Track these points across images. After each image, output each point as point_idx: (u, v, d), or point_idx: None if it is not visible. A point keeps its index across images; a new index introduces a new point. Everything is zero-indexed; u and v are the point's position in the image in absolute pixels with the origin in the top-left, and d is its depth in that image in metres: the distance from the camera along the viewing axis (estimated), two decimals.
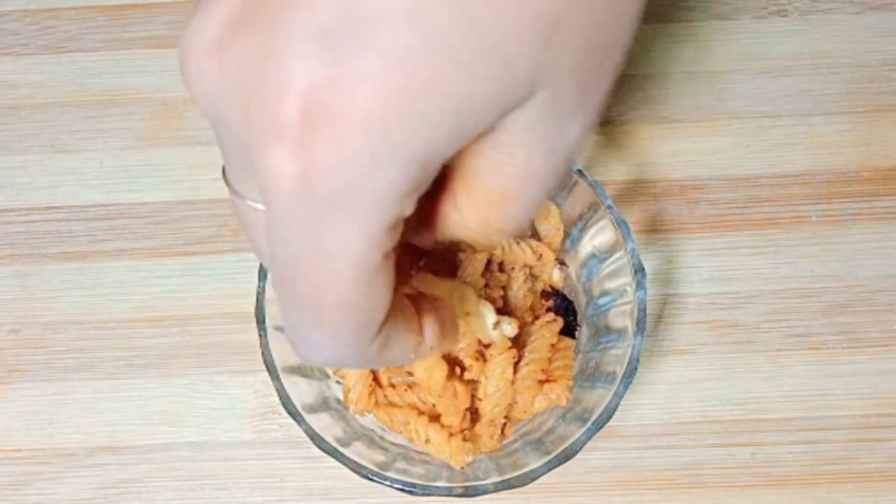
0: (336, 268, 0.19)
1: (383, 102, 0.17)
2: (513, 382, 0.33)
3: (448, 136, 0.18)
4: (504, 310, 0.34)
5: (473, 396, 0.33)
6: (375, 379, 0.33)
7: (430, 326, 0.25)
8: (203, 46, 0.18)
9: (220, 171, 0.21)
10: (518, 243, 0.34)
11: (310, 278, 0.20)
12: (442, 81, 0.17)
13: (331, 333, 0.21)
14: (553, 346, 0.34)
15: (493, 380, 0.32)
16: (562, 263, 0.35)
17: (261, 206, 0.20)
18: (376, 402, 0.33)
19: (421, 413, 0.33)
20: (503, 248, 0.33)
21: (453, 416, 0.32)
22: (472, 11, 0.16)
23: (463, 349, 0.31)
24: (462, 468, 0.32)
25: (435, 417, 0.33)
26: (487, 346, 0.32)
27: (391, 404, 0.33)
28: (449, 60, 0.17)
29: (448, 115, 0.17)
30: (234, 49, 0.18)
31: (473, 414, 0.33)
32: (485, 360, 0.32)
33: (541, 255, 0.34)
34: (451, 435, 0.32)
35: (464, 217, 0.22)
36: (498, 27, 0.17)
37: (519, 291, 0.34)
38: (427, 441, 0.32)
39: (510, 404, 0.33)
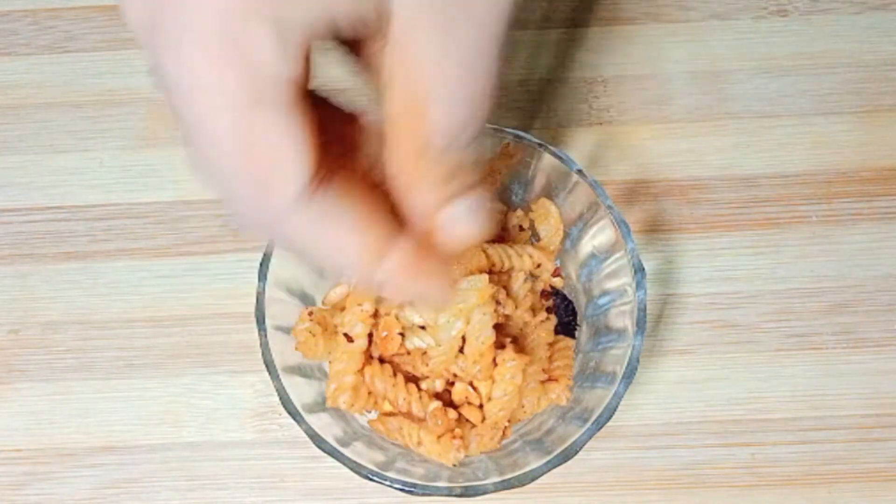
0: (197, 81, 0.18)
1: None
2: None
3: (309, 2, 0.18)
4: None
5: (476, 406, 0.33)
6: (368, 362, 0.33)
7: (398, 255, 0.21)
8: None
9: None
10: (519, 254, 0.34)
11: (182, 97, 0.19)
12: None
13: (235, 183, 0.20)
14: (551, 345, 0.34)
15: (502, 384, 0.32)
16: (556, 275, 0.35)
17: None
18: (373, 404, 0.33)
19: (412, 417, 0.33)
20: (503, 259, 0.33)
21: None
22: None
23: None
24: (454, 465, 0.32)
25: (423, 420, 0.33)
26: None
27: (385, 413, 0.33)
28: None
29: None
30: None
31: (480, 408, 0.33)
32: (495, 364, 0.32)
33: (539, 265, 0.34)
34: (439, 436, 0.32)
35: (393, 133, 0.20)
36: None
37: (519, 291, 0.34)
38: (419, 443, 0.32)
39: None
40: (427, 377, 0.33)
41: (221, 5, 0.17)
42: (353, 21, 0.19)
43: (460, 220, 0.22)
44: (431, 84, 0.19)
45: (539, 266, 0.34)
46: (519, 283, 0.34)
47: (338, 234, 0.21)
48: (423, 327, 0.32)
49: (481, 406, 0.33)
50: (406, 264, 0.21)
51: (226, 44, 0.18)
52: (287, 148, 0.19)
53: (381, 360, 0.33)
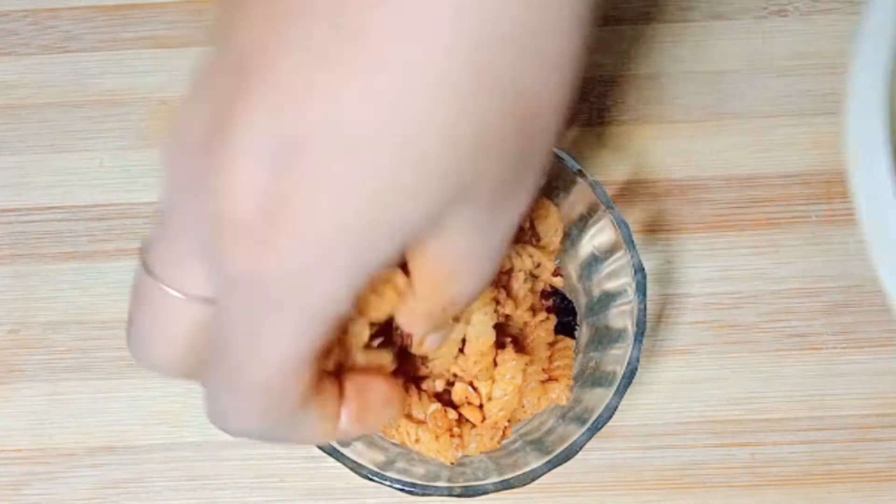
0: (268, 359, 0.21)
1: (333, 219, 0.19)
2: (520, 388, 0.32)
3: (389, 247, 0.20)
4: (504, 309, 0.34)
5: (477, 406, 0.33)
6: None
7: (348, 412, 0.26)
8: (181, 138, 0.21)
9: (139, 248, 0.23)
10: (519, 254, 0.34)
11: (240, 362, 0.21)
12: (384, 200, 0.19)
13: (246, 412, 0.23)
14: (551, 344, 0.34)
15: (502, 384, 0.32)
16: (557, 274, 0.35)
17: (175, 293, 0.22)
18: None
19: (411, 418, 0.33)
20: (503, 259, 0.33)
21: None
22: (406, 138, 0.18)
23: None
24: (452, 464, 0.32)
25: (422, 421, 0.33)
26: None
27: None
28: (389, 181, 0.18)
29: (389, 229, 0.19)
30: (206, 152, 0.19)
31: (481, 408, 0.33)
32: (496, 364, 0.32)
33: (539, 264, 0.34)
34: (437, 436, 0.32)
35: (414, 299, 0.24)
36: (428, 150, 0.18)
37: (519, 291, 0.34)
38: (417, 441, 0.32)
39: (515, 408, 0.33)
40: (427, 377, 0.33)
41: (323, 296, 0.20)
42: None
43: (431, 343, 0.27)
44: (462, 270, 0.23)
45: (539, 266, 0.34)
46: (519, 283, 0.34)
47: (311, 432, 0.25)
48: None
49: (481, 406, 0.33)
50: (355, 417, 0.26)
51: (310, 318, 0.20)
52: (306, 383, 0.23)
53: None
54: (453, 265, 0.22)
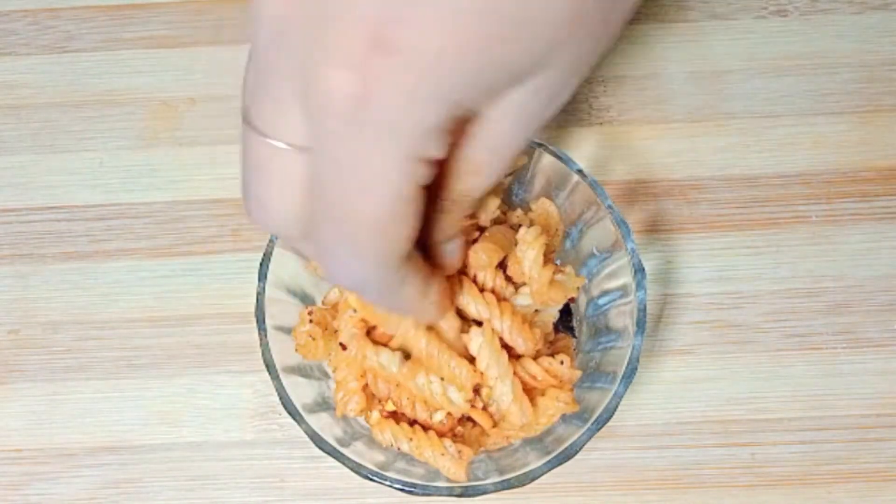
0: (375, 189, 0.21)
1: (441, 48, 0.19)
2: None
3: (480, 89, 0.20)
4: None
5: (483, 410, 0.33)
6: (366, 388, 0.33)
7: (437, 283, 0.28)
8: None
9: (241, 116, 0.23)
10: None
11: (349, 197, 0.21)
12: (489, 42, 0.19)
13: (360, 252, 0.23)
14: (552, 343, 0.34)
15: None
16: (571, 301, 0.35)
17: (281, 145, 0.22)
18: (377, 403, 0.33)
19: (413, 423, 0.33)
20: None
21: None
22: None
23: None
24: (460, 481, 0.32)
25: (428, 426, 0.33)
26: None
27: (386, 415, 0.33)
28: (499, 25, 0.19)
29: (487, 71, 0.20)
30: None
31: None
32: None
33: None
34: (441, 454, 0.32)
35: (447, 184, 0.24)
36: (540, 6, 0.19)
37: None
38: (421, 454, 0.32)
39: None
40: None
41: (418, 124, 0.20)
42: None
43: (449, 255, 0.28)
44: (490, 161, 0.23)
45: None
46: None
47: (412, 293, 0.26)
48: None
49: (485, 408, 0.33)
50: (441, 292, 0.28)
51: (405, 152, 0.21)
52: (411, 232, 0.23)
53: None
54: (485, 153, 0.23)
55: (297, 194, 0.23)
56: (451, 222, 0.26)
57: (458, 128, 0.22)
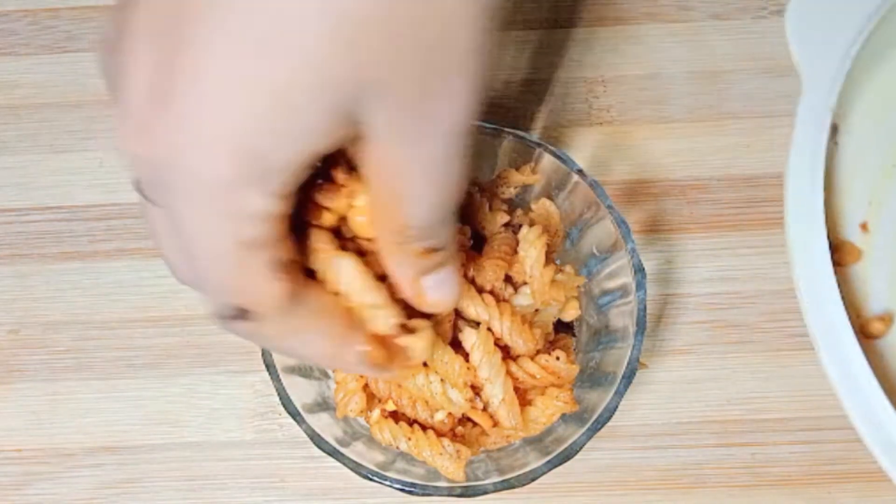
0: (203, 251, 0.22)
1: (212, 105, 0.19)
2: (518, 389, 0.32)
3: (291, 147, 0.20)
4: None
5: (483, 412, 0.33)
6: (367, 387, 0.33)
7: (357, 348, 0.26)
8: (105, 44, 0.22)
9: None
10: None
11: (189, 256, 0.23)
12: (271, 98, 0.19)
13: (211, 300, 0.24)
14: (552, 343, 0.34)
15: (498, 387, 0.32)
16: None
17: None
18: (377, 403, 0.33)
19: (413, 423, 0.33)
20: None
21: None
22: (287, 33, 0.18)
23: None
24: (458, 481, 0.32)
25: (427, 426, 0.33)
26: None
27: (387, 415, 0.33)
28: (276, 79, 0.19)
29: (287, 126, 0.20)
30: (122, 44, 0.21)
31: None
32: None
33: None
34: (440, 454, 0.32)
35: (376, 230, 0.24)
36: (304, 32, 0.18)
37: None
38: (420, 454, 0.32)
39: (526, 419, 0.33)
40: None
41: (212, 179, 0.20)
42: (332, 148, 0.21)
43: (432, 290, 0.26)
44: (404, 186, 0.22)
45: None
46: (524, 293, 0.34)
47: (306, 339, 0.25)
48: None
49: (485, 409, 0.33)
50: (368, 360, 0.26)
51: (220, 207, 0.21)
52: (270, 281, 0.23)
53: None
54: (395, 178, 0.22)
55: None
56: (410, 258, 0.25)
57: (297, 176, 0.22)
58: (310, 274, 0.25)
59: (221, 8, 0.18)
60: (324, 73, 0.19)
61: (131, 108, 0.20)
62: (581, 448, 0.32)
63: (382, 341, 0.26)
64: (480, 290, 0.32)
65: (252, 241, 0.22)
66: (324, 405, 0.34)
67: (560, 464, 0.32)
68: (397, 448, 0.32)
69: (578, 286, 0.34)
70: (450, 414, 0.32)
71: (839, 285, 0.33)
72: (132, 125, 0.20)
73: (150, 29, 0.20)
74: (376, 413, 0.33)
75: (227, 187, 0.20)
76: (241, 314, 0.24)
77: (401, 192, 0.23)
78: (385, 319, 0.26)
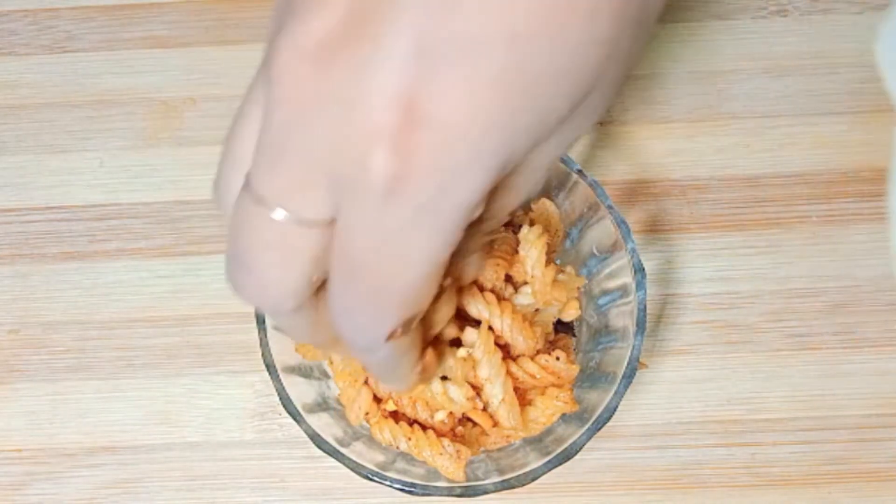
0: (410, 260, 0.21)
1: (479, 114, 0.18)
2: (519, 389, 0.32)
3: (524, 147, 0.20)
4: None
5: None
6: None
7: (428, 353, 0.28)
8: (299, 54, 0.19)
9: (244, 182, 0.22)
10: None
11: (381, 267, 0.21)
12: (529, 98, 0.19)
13: (383, 317, 0.22)
14: (552, 343, 0.34)
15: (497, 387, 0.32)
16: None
17: (289, 219, 0.21)
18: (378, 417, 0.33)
19: (413, 423, 0.33)
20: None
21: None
22: (558, 39, 0.18)
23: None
24: (458, 481, 0.32)
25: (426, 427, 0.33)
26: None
27: (387, 415, 0.33)
28: (536, 80, 0.18)
29: (529, 128, 0.19)
30: (335, 62, 0.18)
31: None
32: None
33: None
34: (440, 454, 0.32)
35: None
36: (574, 53, 0.18)
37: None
38: (420, 454, 0.32)
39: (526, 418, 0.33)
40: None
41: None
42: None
43: (469, 265, 0.29)
44: (523, 188, 0.23)
45: None
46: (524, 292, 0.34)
47: (410, 359, 0.27)
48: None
49: (485, 409, 0.33)
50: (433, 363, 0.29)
51: (447, 222, 0.20)
52: (434, 291, 0.23)
53: None
54: (529, 178, 0.22)
55: (305, 268, 0.22)
56: (476, 242, 0.26)
57: None
58: None
59: None
60: (583, 56, 0.19)
61: (379, 122, 0.18)
62: (581, 448, 0.32)
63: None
64: (481, 289, 0.32)
65: (454, 243, 0.21)
66: (324, 405, 0.34)
67: (560, 464, 0.32)
68: (397, 448, 0.32)
69: (578, 286, 0.34)
70: (450, 414, 0.32)
71: None
72: (380, 143, 0.18)
73: (410, 30, 0.18)
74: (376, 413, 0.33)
75: (466, 207, 0.20)
76: (406, 328, 0.23)
77: (520, 192, 0.23)
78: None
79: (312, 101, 0.19)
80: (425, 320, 0.27)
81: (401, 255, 0.20)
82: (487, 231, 0.25)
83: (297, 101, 0.19)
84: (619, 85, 0.21)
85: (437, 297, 0.26)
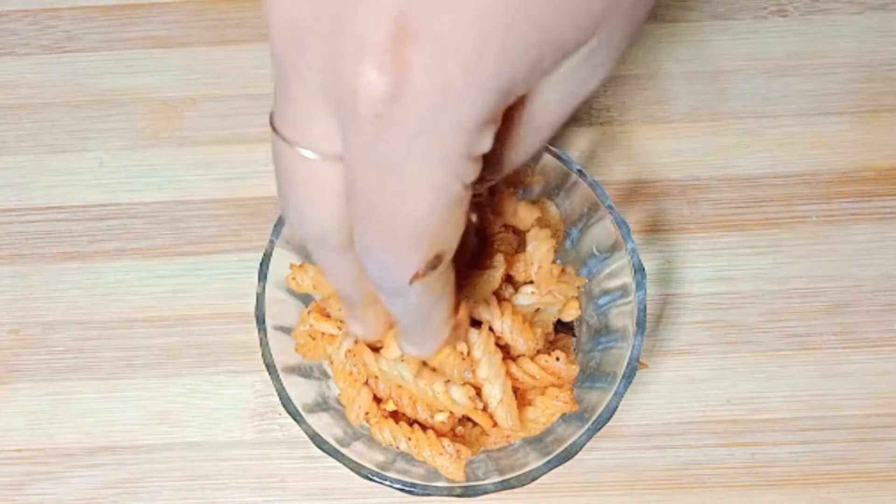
0: (416, 192, 0.20)
1: (478, 31, 0.17)
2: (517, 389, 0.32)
3: (525, 70, 0.19)
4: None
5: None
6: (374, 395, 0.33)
7: (463, 306, 0.27)
8: None
9: (268, 120, 0.22)
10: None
11: (389, 201, 0.20)
12: (531, 19, 0.18)
13: (403, 257, 0.21)
14: (552, 343, 0.34)
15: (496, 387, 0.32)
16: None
17: (311, 155, 0.21)
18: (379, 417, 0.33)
19: (413, 423, 0.33)
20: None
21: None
22: None
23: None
24: (458, 481, 0.32)
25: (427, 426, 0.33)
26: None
27: (387, 415, 0.33)
28: (539, 1, 0.18)
29: (530, 51, 0.18)
30: None
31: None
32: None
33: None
34: (439, 454, 0.32)
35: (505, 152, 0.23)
36: None
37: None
38: (420, 453, 0.32)
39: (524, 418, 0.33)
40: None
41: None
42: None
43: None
44: (529, 140, 0.23)
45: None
46: (525, 294, 0.34)
47: (442, 312, 0.26)
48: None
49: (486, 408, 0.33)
50: (466, 319, 0.29)
51: (448, 146, 0.19)
52: (457, 234, 0.22)
53: None
54: (536, 127, 0.22)
55: (334, 203, 0.22)
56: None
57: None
58: None
59: None
60: None
61: (373, 40, 0.18)
62: (581, 448, 0.32)
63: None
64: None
65: (465, 192, 0.20)
66: (324, 405, 0.34)
67: (560, 464, 0.32)
68: (397, 448, 0.32)
69: (579, 286, 0.34)
70: (450, 414, 0.32)
71: None
72: (375, 62, 0.18)
73: None
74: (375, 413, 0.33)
75: (467, 130, 0.19)
76: (436, 262, 0.22)
77: (524, 143, 0.23)
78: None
79: (305, 22, 0.19)
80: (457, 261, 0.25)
81: (405, 187, 0.20)
82: (487, 181, 0.24)
83: (290, 25, 0.19)
84: (627, 38, 0.21)
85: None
